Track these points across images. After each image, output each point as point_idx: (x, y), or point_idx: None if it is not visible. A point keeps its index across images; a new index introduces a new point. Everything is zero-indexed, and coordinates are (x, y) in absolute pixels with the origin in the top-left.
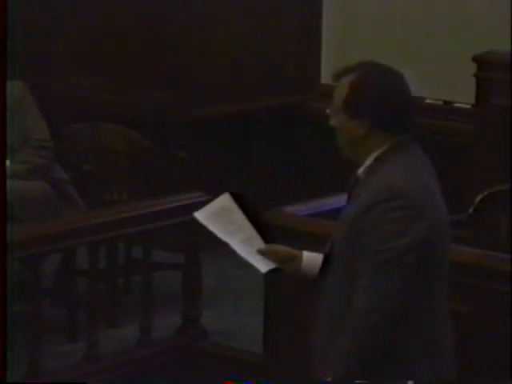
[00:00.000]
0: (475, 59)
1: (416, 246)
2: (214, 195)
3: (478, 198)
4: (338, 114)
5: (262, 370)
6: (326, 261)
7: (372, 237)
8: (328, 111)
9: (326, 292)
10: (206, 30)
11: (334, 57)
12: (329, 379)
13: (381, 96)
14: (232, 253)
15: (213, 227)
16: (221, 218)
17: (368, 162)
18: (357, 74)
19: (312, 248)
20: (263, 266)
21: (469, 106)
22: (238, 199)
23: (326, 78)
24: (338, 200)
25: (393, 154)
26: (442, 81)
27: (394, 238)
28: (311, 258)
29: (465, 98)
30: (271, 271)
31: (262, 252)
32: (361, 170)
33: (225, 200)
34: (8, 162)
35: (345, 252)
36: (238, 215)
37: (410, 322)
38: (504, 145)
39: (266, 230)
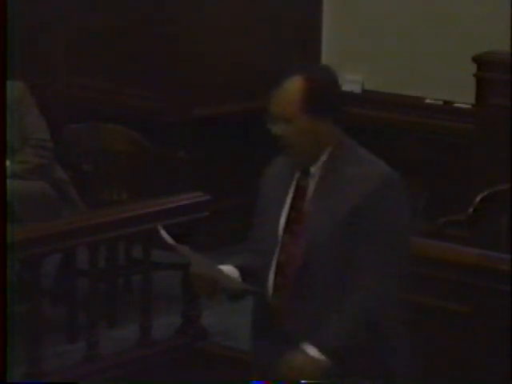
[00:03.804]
0: (475, 59)
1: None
2: (214, 195)
3: (478, 198)
4: (293, 117)
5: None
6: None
7: (379, 222)
8: (269, 121)
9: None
10: (206, 30)
11: (334, 56)
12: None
13: (337, 91)
14: (232, 253)
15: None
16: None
17: (323, 157)
18: (307, 74)
19: None
20: None
21: (469, 106)
22: None
23: None
24: None
25: (348, 146)
26: (442, 81)
27: (401, 219)
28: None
29: (465, 98)
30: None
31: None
32: (316, 166)
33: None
34: (8, 162)
35: (337, 243)
36: None
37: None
38: (504, 145)
39: None
